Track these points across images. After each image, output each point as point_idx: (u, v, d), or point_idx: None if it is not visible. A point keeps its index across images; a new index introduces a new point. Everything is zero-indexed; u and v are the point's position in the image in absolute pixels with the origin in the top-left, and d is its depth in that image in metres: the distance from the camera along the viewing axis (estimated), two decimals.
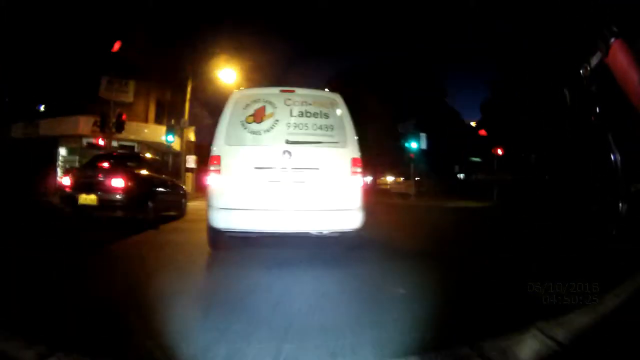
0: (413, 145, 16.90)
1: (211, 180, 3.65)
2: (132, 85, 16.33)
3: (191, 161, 17.14)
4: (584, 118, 0.99)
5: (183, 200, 8.55)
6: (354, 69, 32.85)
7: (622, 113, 0.90)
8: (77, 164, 15.15)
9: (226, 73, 16.82)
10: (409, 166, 18.82)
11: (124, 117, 13.04)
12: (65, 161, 16.35)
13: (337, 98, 4.01)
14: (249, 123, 3.78)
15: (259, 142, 3.71)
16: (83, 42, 13.88)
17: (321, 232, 3.74)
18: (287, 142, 3.67)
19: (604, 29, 0.91)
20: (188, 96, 16.91)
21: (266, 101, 3.87)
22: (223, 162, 3.65)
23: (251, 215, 3.56)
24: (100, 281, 2.83)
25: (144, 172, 6.66)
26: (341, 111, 3.91)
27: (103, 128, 13.00)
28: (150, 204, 6.35)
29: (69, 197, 5.96)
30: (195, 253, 4.09)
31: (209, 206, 3.66)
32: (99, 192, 5.73)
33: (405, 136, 17.58)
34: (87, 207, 5.82)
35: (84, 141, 15.73)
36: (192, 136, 20.59)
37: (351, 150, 3.75)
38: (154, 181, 6.87)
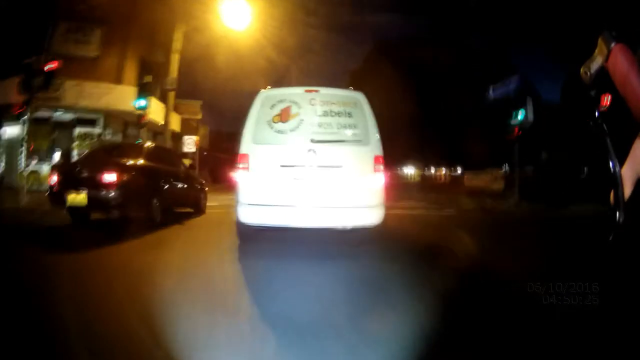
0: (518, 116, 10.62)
1: (239, 177, 3.90)
2: (97, 35, 12.67)
3: (190, 143, 13.91)
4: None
5: (201, 196, 7.96)
6: (403, 34, 28.46)
7: (621, 118, 0.90)
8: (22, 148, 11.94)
9: (234, 17, 11.77)
10: (510, 149, 11.45)
11: (54, 65, 8.31)
12: (5, 145, 12.37)
13: (360, 97, 4.17)
14: (275, 122, 4.01)
15: (285, 141, 3.96)
16: None
17: (344, 227, 3.97)
18: (312, 140, 3.91)
19: (604, 32, 0.92)
20: (177, 46, 12.53)
21: (291, 101, 4.07)
22: (251, 160, 3.89)
23: (277, 211, 3.81)
24: None
25: (144, 163, 5.85)
26: (364, 110, 4.09)
27: (25, 88, 8.25)
28: (155, 201, 5.68)
29: (58, 197, 5.31)
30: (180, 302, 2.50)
31: (237, 202, 3.90)
32: (87, 190, 5.08)
33: (507, 104, 11.17)
34: (77, 208, 5.27)
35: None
36: (196, 112, 17.19)
37: (373, 148, 3.95)
38: (159, 174, 6.17)
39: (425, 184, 26.47)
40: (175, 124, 16.57)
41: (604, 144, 0.93)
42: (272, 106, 4.04)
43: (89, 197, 5.04)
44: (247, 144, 3.93)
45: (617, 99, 0.90)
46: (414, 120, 22.49)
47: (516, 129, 10.77)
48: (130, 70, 13.83)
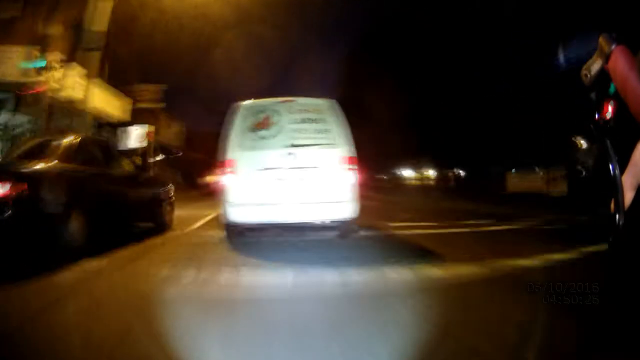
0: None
1: (227, 180, 4.33)
2: None
3: (138, 135, 10.77)
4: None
5: (163, 205, 6.03)
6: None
7: (621, 121, 0.89)
8: None
9: None
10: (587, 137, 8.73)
11: None
12: None
13: (333, 104, 4.65)
14: (258, 130, 4.46)
15: (266, 146, 4.40)
16: None
17: (322, 222, 4.41)
18: (291, 145, 4.38)
19: (604, 34, 0.92)
20: None
21: (270, 110, 4.54)
22: (237, 165, 4.31)
23: (263, 209, 4.24)
24: None
25: (59, 165, 4.03)
26: (336, 116, 4.56)
27: None
28: (74, 219, 3.85)
29: None
30: None
31: (224, 202, 4.30)
32: None
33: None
34: None
35: None
36: (157, 100, 14.57)
37: (345, 150, 4.41)
38: (85, 180, 4.33)
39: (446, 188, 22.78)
40: (116, 108, 13.79)
41: (604, 147, 0.89)
42: (254, 116, 4.49)
43: None
44: (233, 151, 4.35)
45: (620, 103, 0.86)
46: (412, 114, 20.76)
47: (606, 105, 8.47)
48: (61, 39, 10.55)
